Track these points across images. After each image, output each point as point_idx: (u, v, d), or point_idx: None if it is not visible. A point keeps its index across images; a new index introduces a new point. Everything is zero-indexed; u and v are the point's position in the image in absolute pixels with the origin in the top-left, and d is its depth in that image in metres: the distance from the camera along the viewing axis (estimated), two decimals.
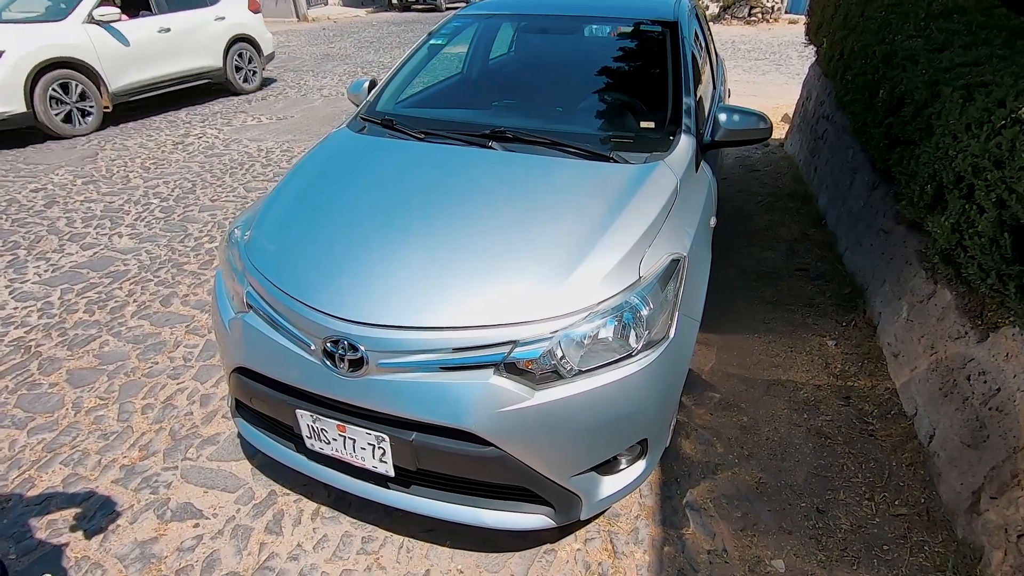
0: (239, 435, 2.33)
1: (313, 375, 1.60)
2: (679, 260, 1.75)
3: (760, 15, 15.82)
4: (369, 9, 19.96)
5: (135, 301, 3.30)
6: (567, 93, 2.57)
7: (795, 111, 5.81)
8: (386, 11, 20.47)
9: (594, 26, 2.79)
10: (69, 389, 2.61)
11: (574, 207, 1.82)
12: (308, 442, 1.73)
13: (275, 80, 9.45)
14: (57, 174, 5.31)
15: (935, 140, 2.14)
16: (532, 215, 1.79)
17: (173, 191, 4.92)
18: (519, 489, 1.63)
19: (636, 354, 1.57)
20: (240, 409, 1.98)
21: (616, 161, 2.04)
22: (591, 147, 2.09)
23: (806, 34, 5.34)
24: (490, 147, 2.15)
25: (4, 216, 4.43)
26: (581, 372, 1.53)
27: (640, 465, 1.76)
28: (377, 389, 1.53)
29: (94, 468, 2.19)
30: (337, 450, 1.69)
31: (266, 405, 1.78)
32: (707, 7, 17.23)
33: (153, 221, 4.35)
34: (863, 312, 2.97)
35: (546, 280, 1.57)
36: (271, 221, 1.92)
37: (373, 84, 2.79)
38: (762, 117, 2.26)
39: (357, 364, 1.52)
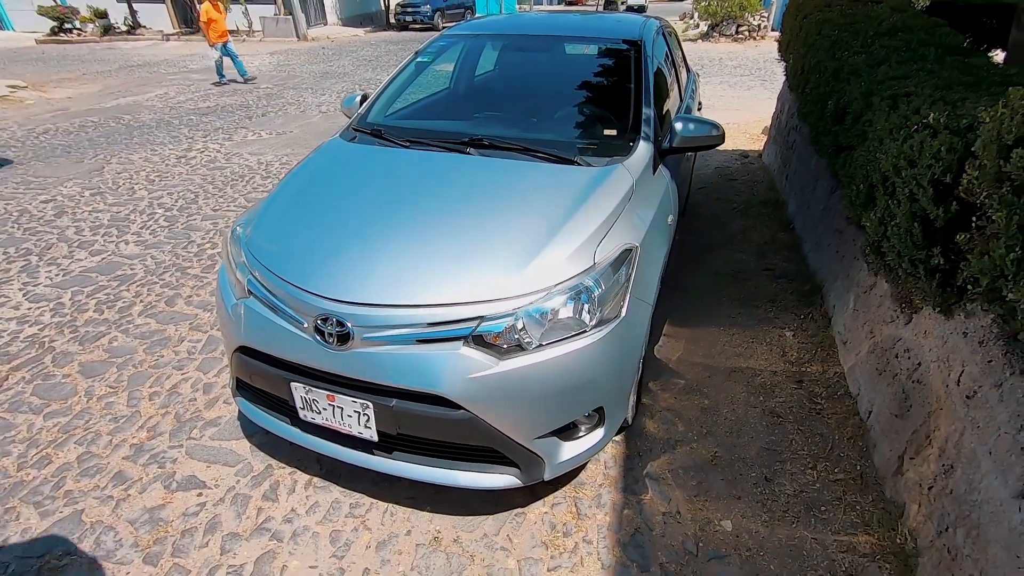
0: (239, 415, 2.53)
1: (306, 350, 1.81)
2: (631, 249, 1.98)
3: (747, 32, 16.27)
4: (367, 29, 20.45)
5: (142, 301, 3.52)
6: (542, 105, 2.82)
7: (771, 123, 6.09)
8: (384, 31, 20.96)
9: (569, 45, 3.05)
10: (81, 379, 2.82)
11: (539, 204, 2.05)
12: (301, 413, 1.93)
13: None
14: (66, 186, 5.55)
15: (867, 145, 2.39)
16: (502, 211, 2.03)
17: (176, 202, 5.16)
18: (488, 451, 1.84)
19: (590, 330, 1.79)
20: (240, 389, 2.19)
21: (580, 164, 2.28)
22: (558, 152, 2.33)
23: (779, 50, 5.64)
24: (468, 153, 2.39)
25: (16, 225, 4.66)
26: (541, 346, 1.75)
27: (598, 432, 1.97)
28: (361, 360, 1.75)
29: (106, 447, 2.39)
30: (327, 419, 1.89)
31: (264, 381, 1.99)
32: (696, 25, 17.72)
33: (158, 229, 4.58)
34: (820, 306, 3.19)
35: (510, 265, 1.79)
36: (270, 219, 2.15)
37: (365, 98, 3.04)
38: (715, 125, 2.50)
39: (344, 338, 1.74)
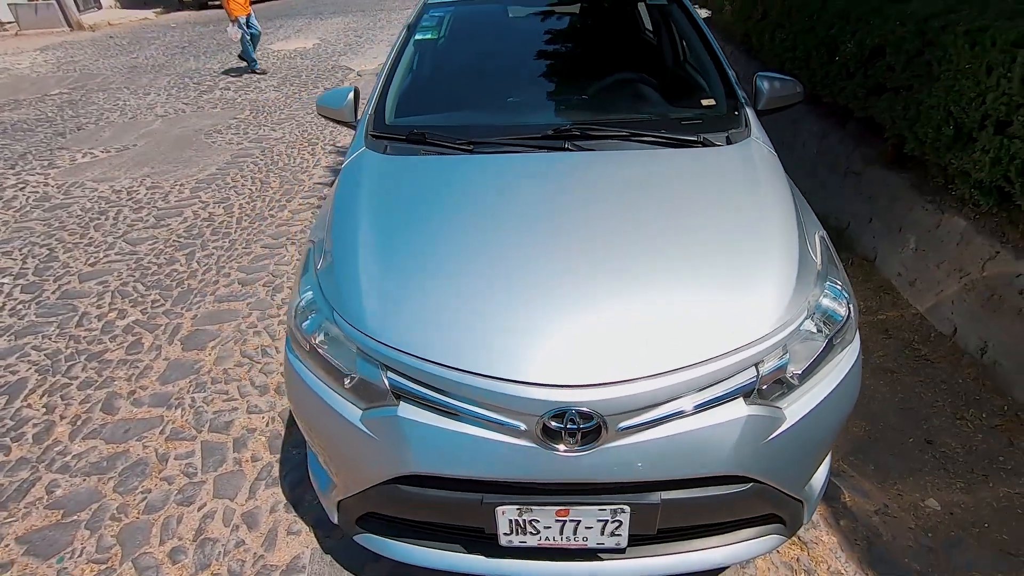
0: (325, 548, 1.86)
1: (527, 462, 1.29)
2: (824, 237, 1.71)
3: None
4: (158, 10, 17.26)
5: (63, 417, 2.49)
6: (594, 78, 2.35)
7: None
8: (178, 11, 17.87)
9: (586, 6, 2.59)
10: (38, 566, 1.89)
11: (715, 201, 1.68)
12: (505, 539, 1.40)
13: None
14: None
15: (944, 84, 2.33)
16: (681, 218, 1.62)
17: (26, 263, 3.80)
18: (752, 518, 1.49)
19: (850, 341, 1.50)
20: (363, 521, 1.56)
21: (707, 144, 1.92)
22: (675, 133, 1.95)
23: None
24: (567, 148, 1.90)
25: None
26: (804, 376, 1.42)
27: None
28: (618, 457, 1.28)
29: None
30: (549, 538, 1.39)
31: (438, 512, 1.41)
32: None
33: (19, 307, 3.32)
34: (854, 251, 3.23)
35: (757, 283, 1.42)
36: (380, 284, 1.47)
37: (357, 95, 2.33)
38: (796, 81, 2.28)
39: (593, 435, 1.25)
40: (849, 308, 1.50)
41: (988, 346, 2.36)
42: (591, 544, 1.40)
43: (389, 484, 1.38)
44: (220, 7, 17.83)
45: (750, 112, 2.11)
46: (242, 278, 3.48)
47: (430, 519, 1.45)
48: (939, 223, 2.61)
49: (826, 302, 1.48)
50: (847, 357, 1.48)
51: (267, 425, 2.40)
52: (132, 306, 3.28)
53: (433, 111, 2.24)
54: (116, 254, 3.87)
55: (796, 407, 1.37)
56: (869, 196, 3.09)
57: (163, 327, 3.08)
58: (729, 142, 1.94)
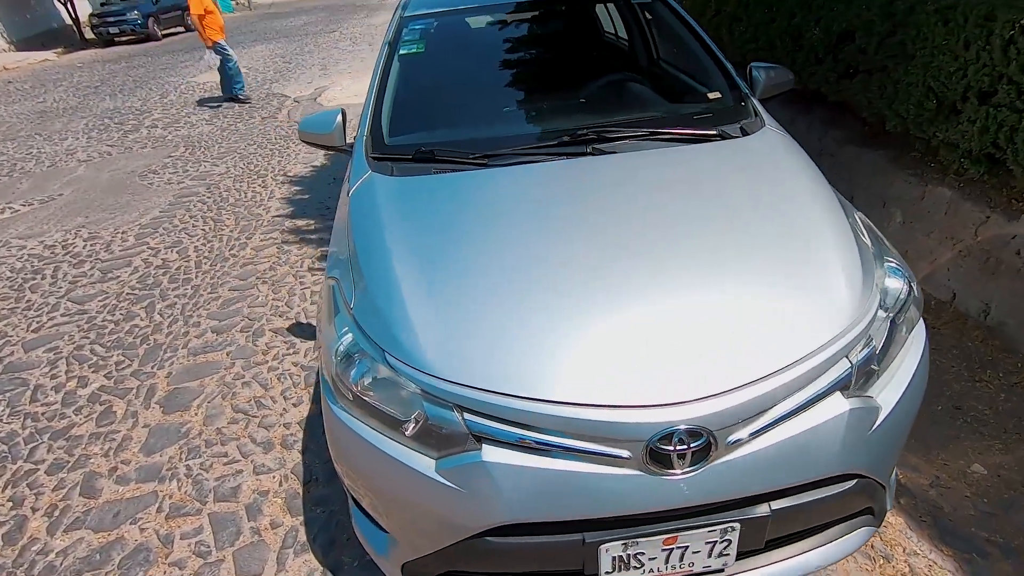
0: None
1: (634, 492, 1.18)
2: (863, 217, 1.70)
3: None
4: (58, 50, 16.15)
5: (35, 510, 2.17)
6: (590, 80, 2.28)
7: None
8: (83, 50, 16.78)
9: (574, 6, 2.53)
10: None
11: (755, 193, 1.64)
12: None
13: None
14: None
15: (921, 61, 2.42)
16: (728, 214, 1.56)
17: None
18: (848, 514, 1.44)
19: (917, 319, 1.48)
20: None
21: (725, 136, 1.89)
22: (691, 128, 1.90)
23: None
24: (588, 153, 1.82)
25: None
26: (879, 361, 1.38)
27: None
28: (729, 473, 1.19)
29: None
30: (653, 570, 1.29)
31: (536, 560, 1.28)
32: None
33: None
34: None
35: (834, 273, 1.37)
36: (436, 316, 1.32)
37: (345, 117, 2.17)
38: (787, 69, 2.30)
39: (702, 452, 1.16)
40: (911, 285, 1.48)
41: (991, 307, 2.44)
42: (697, 569, 1.30)
43: (476, 538, 1.24)
44: (128, 43, 16.92)
45: (756, 102, 2.10)
46: (215, 326, 3.20)
47: (521, 569, 1.31)
48: (923, 195, 2.70)
49: (889, 282, 1.45)
50: (917, 335, 1.46)
51: (280, 485, 2.17)
52: (93, 371, 2.94)
53: (433, 127, 2.11)
54: (62, 315, 3.49)
55: (885, 394, 1.33)
56: (848, 176, 3.18)
57: (135, 390, 2.77)
58: (744, 132, 1.92)
